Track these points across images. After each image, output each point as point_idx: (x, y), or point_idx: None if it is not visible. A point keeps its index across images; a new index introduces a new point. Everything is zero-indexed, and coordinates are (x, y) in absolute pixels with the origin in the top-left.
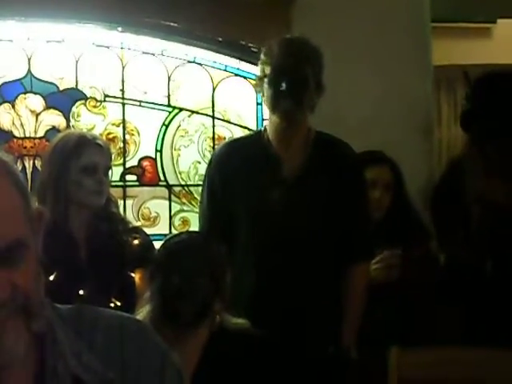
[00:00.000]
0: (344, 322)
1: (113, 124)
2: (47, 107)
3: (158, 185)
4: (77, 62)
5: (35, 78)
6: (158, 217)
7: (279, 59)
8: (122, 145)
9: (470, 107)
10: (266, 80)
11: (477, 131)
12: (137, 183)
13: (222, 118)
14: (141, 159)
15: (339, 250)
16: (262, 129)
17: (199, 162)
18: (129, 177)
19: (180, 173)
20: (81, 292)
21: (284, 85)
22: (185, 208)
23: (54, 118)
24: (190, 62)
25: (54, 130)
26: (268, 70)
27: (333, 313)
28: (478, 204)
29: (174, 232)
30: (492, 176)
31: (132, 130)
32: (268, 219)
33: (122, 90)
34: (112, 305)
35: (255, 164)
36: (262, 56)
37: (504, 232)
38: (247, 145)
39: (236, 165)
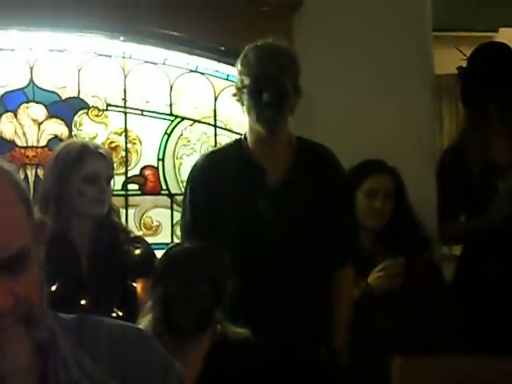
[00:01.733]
0: (334, 326)
1: (115, 133)
2: (49, 116)
3: (160, 194)
4: (79, 71)
5: (37, 87)
6: (160, 226)
7: (257, 69)
8: (123, 154)
9: (468, 79)
10: (245, 90)
11: (478, 100)
12: (139, 192)
13: (223, 126)
14: (143, 168)
15: (325, 253)
16: (242, 137)
17: None
18: (131, 186)
19: (182, 182)
20: (82, 302)
21: (265, 96)
22: None
23: (57, 127)
24: (191, 71)
25: (56, 139)
26: (247, 81)
27: (322, 316)
28: (483, 169)
29: (176, 241)
30: (496, 139)
31: (134, 139)
32: (254, 228)
33: (124, 99)
34: (113, 314)
35: (238, 174)
36: (239, 66)
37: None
38: (228, 155)
39: (218, 176)
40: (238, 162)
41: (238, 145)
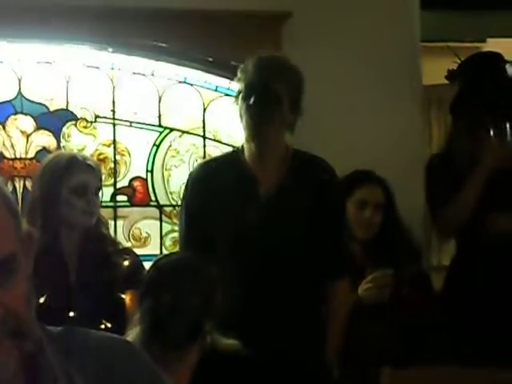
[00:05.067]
0: (326, 340)
1: (103, 144)
2: (38, 128)
3: (148, 205)
4: (67, 82)
5: (25, 99)
6: (149, 237)
7: (251, 76)
8: (112, 165)
9: (460, 88)
10: (239, 96)
11: (469, 109)
12: (127, 204)
13: (213, 138)
14: (131, 179)
15: (321, 266)
16: (240, 148)
17: None
18: (119, 197)
19: (171, 193)
20: (71, 314)
21: (253, 99)
22: (176, 228)
23: (45, 139)
24: (180, 82)
25: (44, 150)
26: (241, 86)
27: (314, 331)
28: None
29: (165, 252)
30: (486, 147)
31: (123, 151)
32: (246, 240)
33: (113, 111)
34: (102, 326)
35: (230, 184)
36: (238, 73)
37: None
38: (223, 165)
39: (213, 186)
40: (231, 172)
41: (234, 155)
